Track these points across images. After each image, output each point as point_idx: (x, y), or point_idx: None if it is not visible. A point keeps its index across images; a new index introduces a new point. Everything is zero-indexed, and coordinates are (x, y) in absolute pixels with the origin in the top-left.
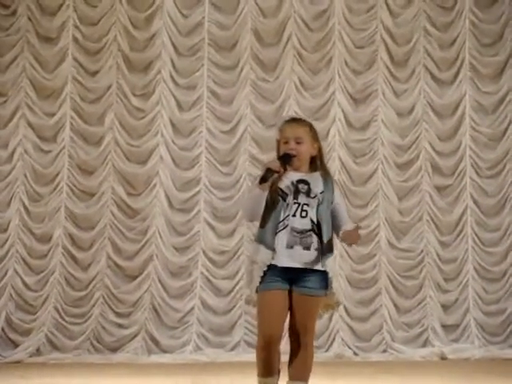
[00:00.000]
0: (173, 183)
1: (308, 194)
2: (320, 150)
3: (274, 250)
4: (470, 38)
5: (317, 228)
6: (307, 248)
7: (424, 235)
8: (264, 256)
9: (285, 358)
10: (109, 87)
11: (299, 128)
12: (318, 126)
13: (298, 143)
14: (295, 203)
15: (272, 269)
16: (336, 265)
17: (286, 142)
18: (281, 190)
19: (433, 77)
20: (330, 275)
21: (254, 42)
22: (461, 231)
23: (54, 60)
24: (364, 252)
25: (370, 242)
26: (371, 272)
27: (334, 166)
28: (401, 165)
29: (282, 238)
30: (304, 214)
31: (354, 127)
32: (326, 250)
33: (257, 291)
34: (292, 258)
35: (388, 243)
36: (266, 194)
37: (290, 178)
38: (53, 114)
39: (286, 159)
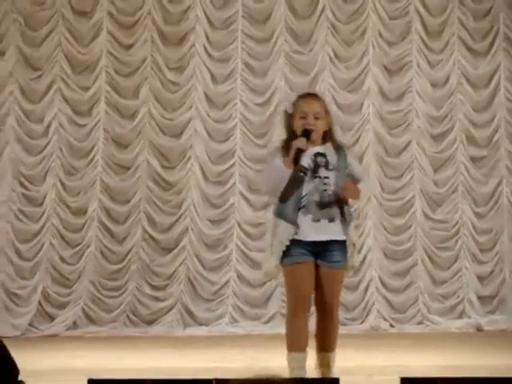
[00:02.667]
0: (207, 156)
1: (327, 166)
2: (332, 123)
3: (296, 224)
4: (505, 9)
5: (338, 200)
6: (332, 220)
7: (459, 206)
8: (286, 231)
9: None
10: (143, 61)
11: (316, 103)
12: (352, 97)
13: (316, 118)
14: (316, 177)
15: (296, 243)
16: (355, 232)
17: (303, 117)
18: (302, 166)
19: (467, 47)
20: (348, 243)
21: (287, 13)
22: (496, 202)
23: (88, 34)
24: (399, 223)
25: (405, 213)
26: (406, 244)
27: (368, 137)
28: (435, 136)
29: (306, 213)
30: (325, 187)
31: (388, 98)
32: (348, 219)
33: (282, 264)
34: (318, 231)
35: (423, 214)
36: (290, 170)
37: (308, 152)
38: (88, 88)
39: (306, 134)
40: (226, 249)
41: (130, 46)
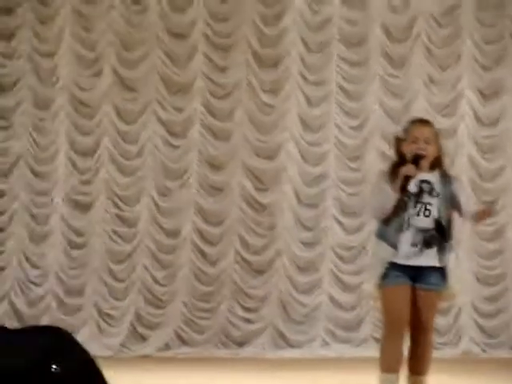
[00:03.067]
0: (301, 178)
1: (431, 193)
2: (442, 150)
3: (396, 247)
4: None
5: (439, 227)
6: (430, 246)
7: None
8: (386, 252)
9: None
10: (238, 83)
11: (427, 129)
12: (446, 122)
13: (426, 143)
14: (419, 202)
15: (394, 265)
16: (456, 261)
17: (415, 142)
18: (407, 190)
19: None
20: (449, 270)
21: (383, 37)
22: None
23: (184, 56)
24: (492, 248)
25: (499, 237)
26: (499, 268)
27: (462, 161)
28: None
29: (406, 237)
30: (427, 213)
31: (482, 123)
32: (447, 247)
33: (378, 286)
34: (415, 256)
35: None
36: (396, 195)
37: (415, 178)
38: (182, 110)
39: (416, 160)
40: (319, 271)
41: (225, 68)
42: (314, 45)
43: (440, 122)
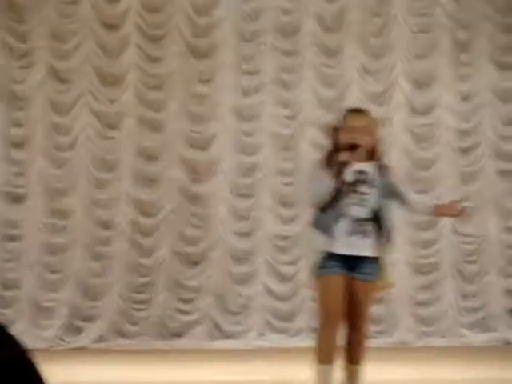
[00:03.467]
0: (235, 169)
1: (367, 183)
2: (378, 141)
3: (333, 237)
4: None
5: (375, 217)
6: (366, 236)
7: (487, 220)
8: (323, 243)
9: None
10: (171, 73)
11: (363, 118)
12: (380, 111)
13: (362, 133)
14: (355, 192)
15: (330, 255)
16: (393, 251)
17: (350, 132)
18: (343, 180)
19: (496, 61)
20: (383, 260)
21: (316, 27)
22: None
23: (116, 47)
24: (427, 237)
25: (433, 227)
26: (434, 257)
27: (396, 151)
28: (464, 149)
29: (342, 227)
30: (363, 203)
31: (416, 112)
32: (385, 238)
33: (316, 276)
34: (351, 246)
35: (451, 228)
36: (333, 183)
37: (351, 168)
38: (116, 101)
39: (351, 149)
40: (254, 262)
41: (158, 59)
42: (248, 34)
43: (374, 111)
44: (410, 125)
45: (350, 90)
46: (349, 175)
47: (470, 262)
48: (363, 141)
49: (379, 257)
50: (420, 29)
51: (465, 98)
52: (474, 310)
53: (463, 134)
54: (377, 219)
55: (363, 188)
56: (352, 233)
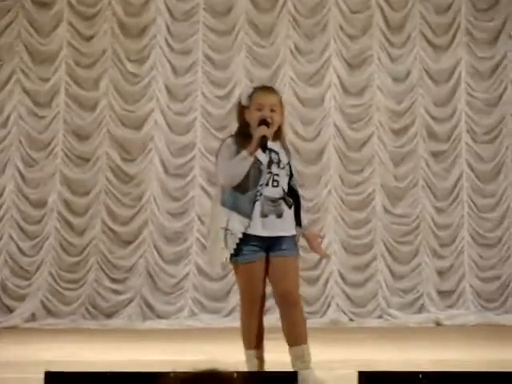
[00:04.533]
0: (168, 148)
1: (278, 164)
2: (283, 120)
3: (250, 218)
4: (466, 3)
5: (287, 196)
6: (280, 216)
7: (419, 201)
8: (239, 223)
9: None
10: (104, 52)
11: (274, 96)
12: (313, 91)
13: (272, 111)
14: (268, 172)
15: (247, 237)
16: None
17: (260, 109)
18: (257, 158)
19: (428, 42)
20: (297, 235)
21: (249, 6)
22: (456, 197)
23: (48, 25)
24: (359, 217)
25: (366, 207)
26: (366, 238)
27: (329, 131)
28: (396, 130)
29: (257, 207)
30: (275, 183)
31: (349, 92)
32: (296, 217)
33: (233, 260)
34: (266, 226)
35: (383, 209)
36: (252, 161)
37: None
38: (47, 79)
39: (265, 124)
40: (186, 242)
41: (90, 38)
42: (180, 13)
43: (307, 92)
44: (343, 105)
45: (282, 70)
46: (262, 154)
47: (403, 243)
48: (273, 119)
49: (294, 235)
50: (353, 9)
51: (397, 78)
52: (406, 290)
53: (396, 114)
54: (289, 199)
55: (275, 169)
56: (266, 213)
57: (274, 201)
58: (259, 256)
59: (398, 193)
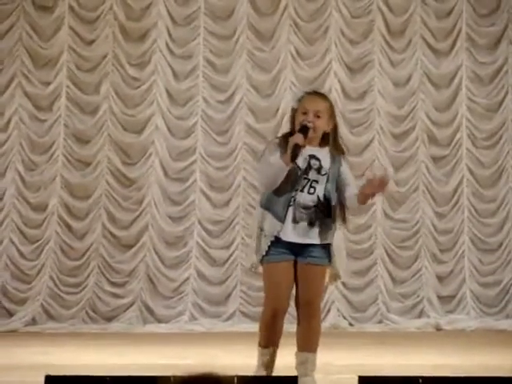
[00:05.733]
0: (168, 153)
1: (318, 170)
2: (335, 127)
3: (282, 221)
4: (467, 8)
5: (322, 205)
6: (311, 224)
7: (420, 206)
8: (272, 226)
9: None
10: (105, 56)
11: (320, 102)
12: None
13: (317, 116)
14: (305, 179)
15: (278, 240)
16: (340, 240)
17: (305, 113)
18: (296, 164)
19: (429, 47)
20: (332, 247)
21: (250, 11)
22: (456, 202)
23: (50, 29)
24: (360, 222)
25: (366, 212)
26: (367, 242)
27: None
28: (397, 135)
29: (289, 212)
30: (312, 190)
31: (350, 97)
32: (330, 226)
33: (262, 261)
34: (297, 232)
35: (384, 214)
36: (287, 166)
37: (303, 152)
38: (49, 83)
39: (303, 131)
40: (186, 246)
41: (91, 42)
42: (181, 18)
43: None
44: (343, 110)
45: (283, 75)
46: (301, 160)
47: (403, 248)
48: (316, 124)
49: (326, 245)
50: (354, 14)
51: (398, 83)
52: (406, 295)
53: (396, 119)
54: (324, 207)
55: (313, 175)
56: (298, 220)
57: (306, 208)
58: (286, 258)
59: (399, 198)
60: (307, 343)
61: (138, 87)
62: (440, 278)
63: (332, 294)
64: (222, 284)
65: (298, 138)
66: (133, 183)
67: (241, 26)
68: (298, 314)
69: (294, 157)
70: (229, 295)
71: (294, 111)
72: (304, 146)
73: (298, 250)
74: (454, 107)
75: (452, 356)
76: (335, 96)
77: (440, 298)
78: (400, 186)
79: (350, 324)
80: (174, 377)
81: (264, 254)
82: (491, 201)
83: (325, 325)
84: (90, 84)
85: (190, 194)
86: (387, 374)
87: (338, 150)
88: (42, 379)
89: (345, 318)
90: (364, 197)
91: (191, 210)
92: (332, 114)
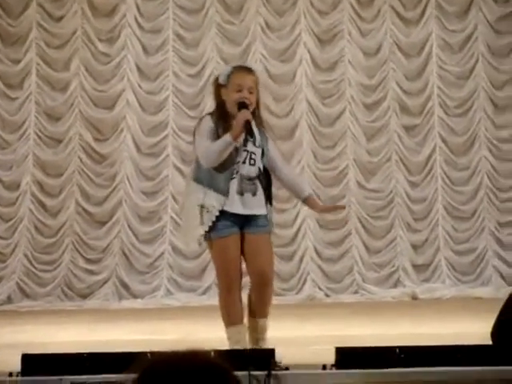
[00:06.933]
0: (140, 128)
1: (254, 142)
2: (259, 100)
3: (227, 195)
4: None
5: (262, 175)
6: (254, 194)
7: (393, 175)
8: (215, 201)
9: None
10: (74, 32)
11: (251, 77)
12: (284, 67)
13: (250, 92)
14: (245, 151)
15: (223, 214)
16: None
17: (239, 91)
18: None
19: (399, 16)
20: (270, 216)
21: None
22: (430, 171)
23: (18, 6)
24: (333, 193)
25: (339, 183)
26: (341, 213)
27: (301, 107)
28: (368, 105)
29: (233, 185)
30: (252, 161)
31: (320, 68)
32: (270, 195)
33: (209, 237)
34: (243, 204)
35: (357, 184)
36: (235, 143)
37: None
38: (18, 61)
39: (244, 108)
40: (161, 221)
41: (60, 18)
42: None
43: (278, 68)
44: (314, 81)
45: (253, 47)
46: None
47: (377, 218)
48: (251, 100)
49: (266, 214)
50: None
51: (368, 53)
52: (382, 265)
53: (367, 89)
54: (264, 177)
55: (251, 147)
56: (243, 191)
57: (250, 179)
58: (233, 231)
59: (372, 168)
60: (262, 310)
61: (108, 63)
62: (415, 247)
63: (307, 266)
64: (197, 258)
65: (247, 114)
66: (105, 159)
67: (209, 0)
68: (252, 286)
69: (250, 133)
70: (204, 269)
71: (219, 86)
72: (250, 122)
73: (243, 222)
74: (424, 76)
75: (428, 325)
76: (305, 67)
77: (415, 266)
78: (373, 155)
79: (326, 295)
80: (151, 353)
81: (207, 229)
82: (464, 169)
83: (301, 296)
84: (59, 60)
85: (162, 168)
86: (364, 345)
87: (263, 124)
88: (19, 357)
89: (320, 288)
90: (314, 208)
91: (164, 184)
92: (258, 87)
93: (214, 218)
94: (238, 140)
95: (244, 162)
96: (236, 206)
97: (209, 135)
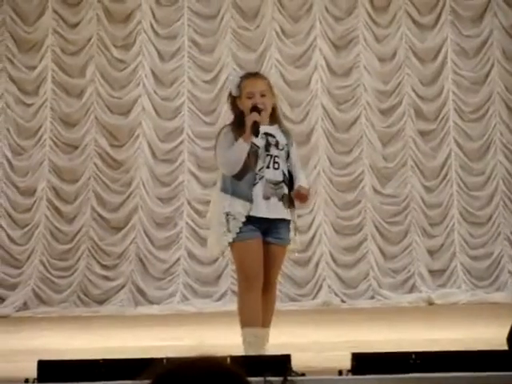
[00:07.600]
0: (156, 134)
1: (277, 146)
2: (275, 101)
3: (251, 201)
4: None
5: (287, 180)
6: (281, 198)
7: (408, 180)
8: (241, 208)
9: None
10: (89, 39)
11: (261, 82)
12: (299, 73)
13: (262, 96)
14: (268, 155)
15: (249, 219)
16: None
17: (251, 97)
18: (253, 143)
19: (414, 21)
20: (292, 224)
21: None
22: (445, 176)
23: (33, 13)
24: (349, 198)
25: (355, 188)
26: (356, 219)
27: (316, 113)
28: (384, 110)
29: (258, 190)
30: (276, 165)
31: (336, 74)
32: (293, 201)
33: (233, 242)
34: (269, 208)
35: (373, 189)
36: (248, 147)
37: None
38: (34, 67)
39: (256, 111)
40: (176, 227)
41: (75, 25)
42: None
43: (293, 74)
44: (330, 87)
45: (268, 53)
46: (258, 139)
47: (393, 223)
48: (265, 104)
49: (291, 220)
50: None
51: (384, 59)
52: (398, 271)
53: (383, 94)
54: (289, 181)
55: (274, 151)
56: (268, 196)
57: (275, 183)
58: (256, 235)
59: (387, 173)
60: (265, 319)
61: (124, 69)
62: (430, 252)
63: (323, 271)
64: (212, 264)
65: (254, 116)
66: (121, 165)
67: (225, 5)
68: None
69: (255, 132)
70: (220, 275)
71: (234, 98)
72: (261, 123)
73: (266, 227)
74: (439, 81)
75: (444, 330)
76: (321, 73)
77: (431, 272)
78: (388, 161)
79: (342, 301)
80: (166, 359)
81: (235, 236)
82: (480, 174)
83: (317, 302)
84: (75, 67)
85: (178, 174)
86: (380, 351)
87: (285, 126)
88: (35, 364)
89: (336, 294)
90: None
91: (180, 190)
92: (272, 90)
93: (240, 225)
94: (249, 140)
95: (268, 167)
96: (261, 210)
97: (228, 145)
